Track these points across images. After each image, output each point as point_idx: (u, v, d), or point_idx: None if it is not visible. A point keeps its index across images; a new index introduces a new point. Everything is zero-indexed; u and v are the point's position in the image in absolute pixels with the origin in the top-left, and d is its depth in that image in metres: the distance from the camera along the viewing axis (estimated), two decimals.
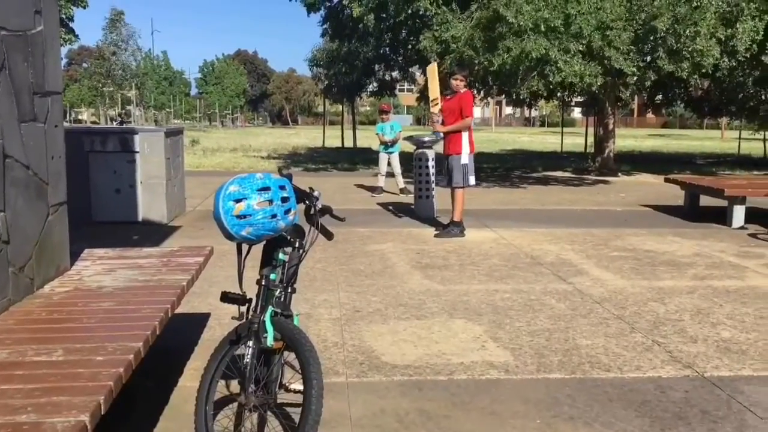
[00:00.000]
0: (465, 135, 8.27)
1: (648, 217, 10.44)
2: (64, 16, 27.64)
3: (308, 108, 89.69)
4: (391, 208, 11.10)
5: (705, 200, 10.51)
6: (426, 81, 11.19)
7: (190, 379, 3.76)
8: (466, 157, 8.27)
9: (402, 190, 12.75)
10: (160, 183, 9.24)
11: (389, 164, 13.26)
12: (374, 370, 4.00)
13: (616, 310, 5.26)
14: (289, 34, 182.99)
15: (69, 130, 7.43)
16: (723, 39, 12.97)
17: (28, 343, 2.63)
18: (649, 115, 72.40)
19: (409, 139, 11.41)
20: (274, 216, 2.69)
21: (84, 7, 28.75)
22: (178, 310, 3.75)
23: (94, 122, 57.40)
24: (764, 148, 23.79)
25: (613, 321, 4.99)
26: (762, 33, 13.19)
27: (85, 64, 73.15)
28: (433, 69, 8.99)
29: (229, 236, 2.71)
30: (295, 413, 2.80)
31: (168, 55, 79.05)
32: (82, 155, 8.85)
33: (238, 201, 2.65)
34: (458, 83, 8.30)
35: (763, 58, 14.37)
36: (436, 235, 8.37)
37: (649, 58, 14.10)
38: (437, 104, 8.57)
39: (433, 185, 9.94)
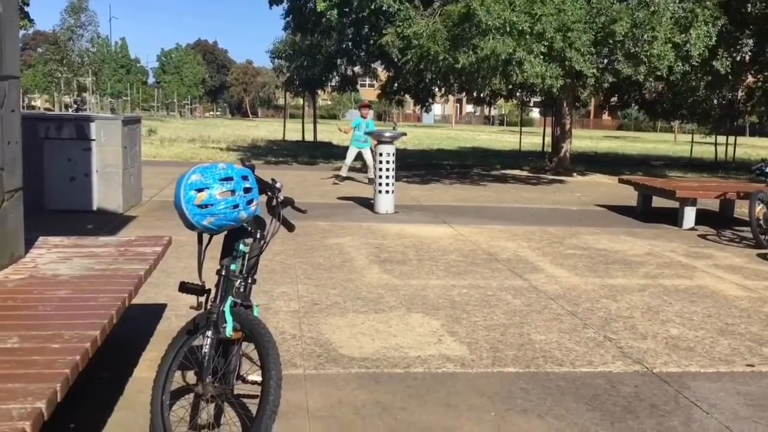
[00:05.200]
0: None
1: (602, 216, 10.64)
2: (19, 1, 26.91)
3: (268, 101, 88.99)
4: (351, 202, 11.12)
5: (657, 201, 10.75)
6: (388, 78, 11.29)
7: (145, 370, 3.73)
8: None
9: (370, 180, 12.93)
10: (117, 172, 9.10)
11: (357, 158, 13.72)
12: (332, 362, 4.02)
13: (570, 307, 5.37)
14: (250, 25, 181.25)
15: (24, 116, 7.27)
16: (678, 44, 13.28)
17: None
18: (605, 116, 73.70)
19: (369, 134, 11.45)
20: (236, 206, 2.69)
21: None
22: (135, 301, 3.71)
23: (48, 109, 56.04)
24: (715, 152, 24.41)
25: (567, 317, 5.10)
26: (715, 38, 13.54)
27: (39, 50, 71.37)
28: None
29: (190, 225, 2.70)
30: (252, 404, 2.81)
31: (126, 42, 77.35)
32: (36, 142, 8.66)
33: (200, 190, 2.64)
34: None
35: (714, 63, 14.76)
36: None
37: (606, 61, 14.36)
38: None
39: (393, 180, 9.98)
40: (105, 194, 9.07)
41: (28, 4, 28.79)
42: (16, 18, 3.66)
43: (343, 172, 14.04)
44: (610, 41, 13.33)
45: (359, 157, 14.02)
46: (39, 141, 8.75)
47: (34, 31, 62.82)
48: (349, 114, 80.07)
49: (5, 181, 3.54)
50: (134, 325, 4.41)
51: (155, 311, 4.81)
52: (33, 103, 62.07)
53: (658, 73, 13.88)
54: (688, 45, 13.28)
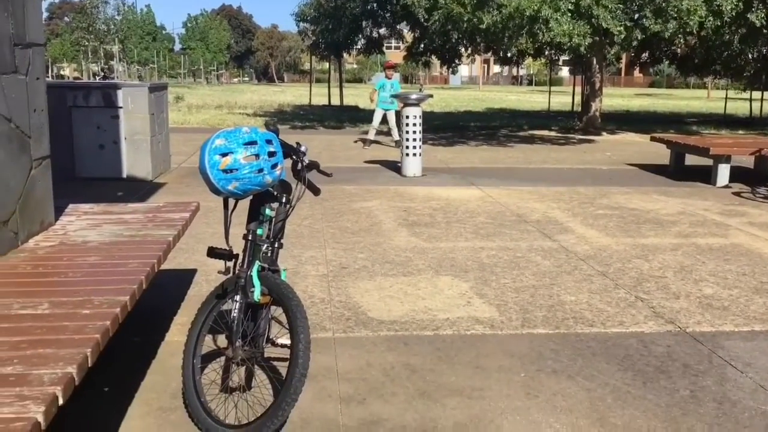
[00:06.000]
0: None
1: (633, 175, 10.48)
2: None
3: (294, 65, 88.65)
4: (378, 165, 11.07)
5: (690, 159, 10.56)
6: (413, 39, 11.07)
7: (176, 334, 3.77)
8: None
9: (397, 143, 12.83)
10: (145, 139, 9.15)
11: (384, 120, 13.52)
12: (361, 325, 4.03)
13: (601, 267, 5.30)
14: None
15: (51, 84, 7.31)
16: None
17: (14, 297, 2.61)
18: (636, 74, 72.15)
19: (396, 96, 11.33)
20: (260, 170, 2.67)
21: None
22: (164, 267, 3.74)
23: (76, 77, 56.51)
24: (750, 108, 23.83)
25: (597, 278, 5.04)
26: None
27: (66, 18, 71.73)
28: None
29: (215, 190, 2.68)
30: (282, 367, 2.82)
31: (151, 9, 77.38)
32: (64, 110, 8.72)
33: (224, 155, 2.62)
34: None
35: (749, 15, 14.27)
36: None
37: (636, 17, 13.99)
38: None
39: (420, 143, 9.90)
40: (134, 161, 9.14)
41: None
42: None
43: (371, 136, 13.89)
44: None
45: (386, 120, 13.86)
46: (67, 109, 8.82)
47: (60, 0, 62.98)
48: (375, 77, 79.45)
49: (33, 149, 3.56)
50: (165, 290, 4.45)
51: (185, 277, 4.85)
52: (62, 72, 62.55)
53: (689, 28, 13.49)
54: None
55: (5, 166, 3.24)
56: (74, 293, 2.68)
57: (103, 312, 2.45)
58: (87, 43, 57.82)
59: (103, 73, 46.72)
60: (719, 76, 27.31)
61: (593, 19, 12.87)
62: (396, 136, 13.10)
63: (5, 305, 2.52)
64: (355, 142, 14.62)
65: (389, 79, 13.86)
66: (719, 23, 13.75)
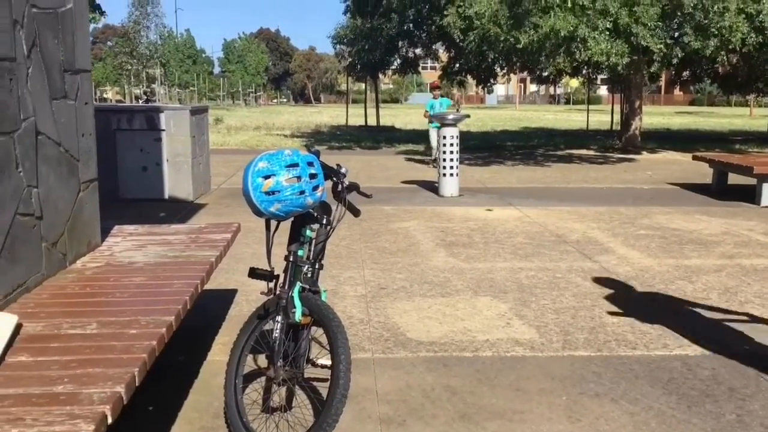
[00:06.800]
0: None
1: (675, 195, 10.33)
2: None
3: (331, 86, 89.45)
4: (415, 186, 11.10)
5: (733, 178, 10.37)
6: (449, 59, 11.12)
7: (218, 354, 3.81)
8: None
9: (434, 162, 13.12)
10: (186, 161, 9.32)
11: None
12: (400, 346, 4.03)
13: (643, 289, 5.23)
14: (312, 11, 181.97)
15: (96, 108, 7.50)
16: (752, 14, 12.68)
17: (63, 317, 2.68)
18: (677, 92, 71.29)
19: (434, 116, 11.37)
20: (302, 192, 2.71)
21: None
22: (207, 287, 3.80)
23: (119, 101, 57.84)
24: None
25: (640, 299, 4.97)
26: None
27: (109, 43, 73.55)
28: None
29: (258, 212, 2.73)
30: (323, 388, 2.84)
31: (191, 33, 78.96)
32: (109, 133, 8.94)
33: (267, 177, 2.67)
34: None
35: None
36: None
37: (676, 34, 13.86)
38: None
39: (457, 163, 9.90)
40: (176, 183, 9.30)
41: None
42: (86, 12, 3.76)
43: (433, 155, 14.11)
44: (679, 14, 12.83)
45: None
46: (111, 132, 9.03)
47: (103, 25, 64.82)
48: (412, 97, 79.71)
49: (81, 172, 3.66)
50: (207, 310, 4.51)
51: (227, 297, 4.91)
52: (105, 96, 64.04)
53: (731, 45, 13.30)
54: (762, 15, 12.65)
55: (55, 188, 3.34)
56: (121, 313, 2.73)
57: (149, 332, 2.50)
58: (130, 67, 59.18)
59: (146, 96, 47.72)
60: (762, 94, 26.82)
61: (632, 38, 12.78)
62: (434, 155, 13.27)
63: (55, 325, 2.59)
64: (393, 161, 14.67)
65: (436, 99, 14.22)
66: (762, 39, 13.55)
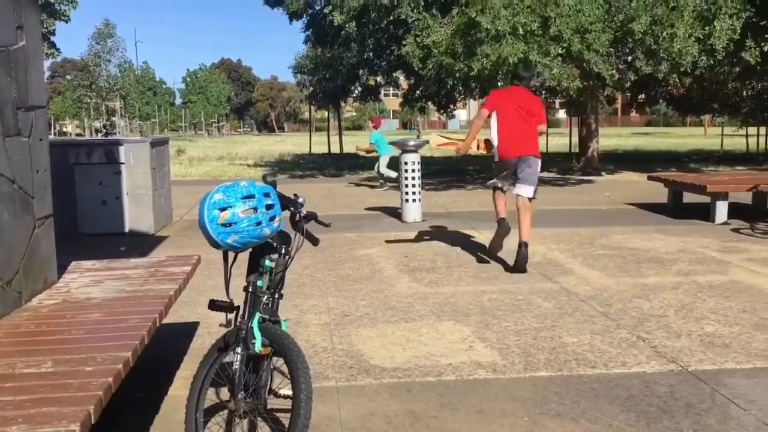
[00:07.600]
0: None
1: (632, 215, 10.53)
2: (46, 30, 27.55)
3: (294, 115, 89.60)
4: (378, 212, 11.14)
5: (688, 197, 10.61)
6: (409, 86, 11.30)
7: (180, 388, 3.77)
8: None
9: (381, 184, 14.95)
10: (147, 193, 9.24)
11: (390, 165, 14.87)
12: (363, 373, 4.04)
13: (602, 308, 5.32)
14: (273, 42, 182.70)
15: (54, 142, 7.43)
16: (701, 38, 13.06)
17: (18, 356, 2.65)
18: (633, 113, 72.81)
19: (394, 143, 11.48)
20: (259, 223, 2.73)
21: (66, 21, 28.70)
22: (167, 320, 3.77)
23: (78, 134, 57.11)
24: (746, 144, 24.02)
25: (599, 318, 5.05)
26: (740, 31, 13.27)
27: (68, 77, 72.83)
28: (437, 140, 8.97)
29: (215, 244, 2.74)
30: (285, 418, 2.83)
31: (150, 65, 78.67)
32: (68, 168, 8.83)
33: (223, 209, 2.69)
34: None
35: (742, 54, 14.46)
36: (513, 270, 6.55)
37: (629, 59, 14.21)
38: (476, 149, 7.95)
39: (419, 189, 9.98)
40: (136, 216, 9.21)
41: (54, 34, 29.46)
42: (40, 49, 3.76)
43: (386, 180, 14.93)
44: (630, 40, 13.16)
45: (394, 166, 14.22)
46: (70, 167, 8.93)
47: (62, 59, 64.05)
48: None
49: (36, 208, 3.63)
50: (168, 344, 4.47)
51: (188, 330, 4.87)
52: (64, 129, 63.24)
53: (682, 68, 13.67)
54: (712, 39, 13.04)
55: (9, 226, 3.30)
56: (77, 350, 2.71)
57: (105, 369, 2.48)
58: (89, 100, 58.62)
59: (105, 130, 47.23)
60: (716, 114, 27.58)
61: (585, 64, 13.07)
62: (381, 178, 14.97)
63: (9, 365, 2.55)
64: (354, 188, 14.74)
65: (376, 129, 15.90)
66: (712, 62, 13.96)
